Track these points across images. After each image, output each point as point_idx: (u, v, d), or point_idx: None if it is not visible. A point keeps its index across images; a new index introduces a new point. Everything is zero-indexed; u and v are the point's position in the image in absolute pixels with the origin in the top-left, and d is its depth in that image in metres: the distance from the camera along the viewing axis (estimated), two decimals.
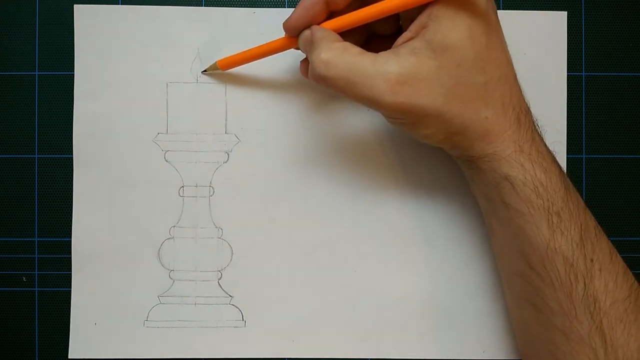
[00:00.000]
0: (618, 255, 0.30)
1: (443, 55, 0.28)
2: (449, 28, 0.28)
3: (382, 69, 0.28)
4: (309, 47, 0.30)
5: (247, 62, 0.35)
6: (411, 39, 0.29)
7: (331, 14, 0.31)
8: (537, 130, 0.31)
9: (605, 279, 0.29)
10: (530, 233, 0.29)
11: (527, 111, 0.31)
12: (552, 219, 0.29)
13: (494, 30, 0.30)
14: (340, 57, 0.29)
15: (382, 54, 0.29)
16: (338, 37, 0.30)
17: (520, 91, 0.31)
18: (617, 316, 0.28)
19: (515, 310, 0.32)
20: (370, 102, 0.29)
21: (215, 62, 0.35)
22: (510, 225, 0.30)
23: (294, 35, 0.32)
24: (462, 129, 0.30)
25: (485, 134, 0.30)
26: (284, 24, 0.31)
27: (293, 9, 0.36)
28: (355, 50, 0.29)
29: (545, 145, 0.31)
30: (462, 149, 0.31)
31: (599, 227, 0.30)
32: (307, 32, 0.31)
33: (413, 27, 0.29)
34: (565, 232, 0.29)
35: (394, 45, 0.30)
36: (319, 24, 0.31)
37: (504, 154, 0.30)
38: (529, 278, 0.30)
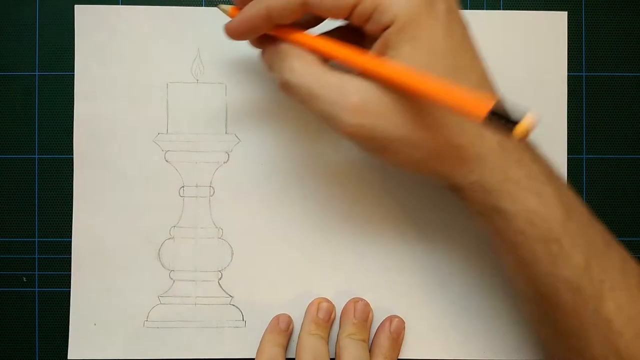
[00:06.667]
0: (631, 261, 0.29)
1: None
2: (410, 55, 0.26)
3: (346, 89, 0.26)
4: (278, 57, 0.29)
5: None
6: None
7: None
8: (528, 148, 0.28)
9: (618, 297, 0.27)
10: (531, 262, 0.28)
11: None
12: (552, 247, 0.27)
13: (462, 48, 0.27)
14: (309, 68, 0.27)
15: (351, 74, 0.27)
16: (309, 52, 0.28)
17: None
18: (634, 333, 0.27)
19: (535, 330, 0.32)
20: (329, 118, 0.27)
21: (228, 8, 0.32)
22: (510, 254, 0.29)
23: (237, 39, 0.29)
24: (435, 154, 0.27)
25: (462, 161, 0.27)
26: (226, 27, 0.29)
27: None
28: (325, 66, 0.28)
29: (539, 160, 0.29)
30: (443, 176, 0.29)
31: (608, 235, 0.29)
32: (279, 46, 0.29)
33: (375, 50, 0.27)
34: (568, 259, 0.27)
35: None
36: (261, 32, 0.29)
37: (488, 184, 0.27)
38: (538, 303, 0.29)
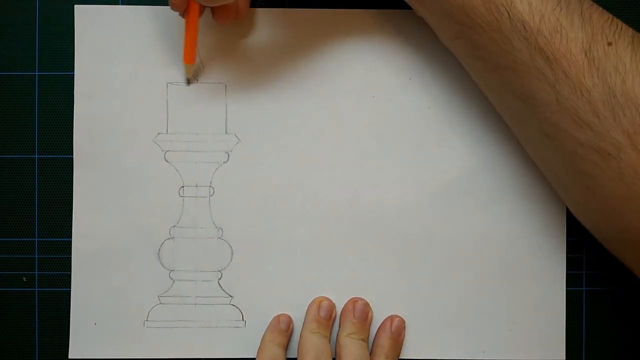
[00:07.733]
0: None
1: None
2: None
3: None
4: None
5: (194, 41, 0.34)
6: None
7: None
8: None
9: None
10: None
11: None
12: None
13: None
14: None
15: None
16: None
17: None
18: (550, 29, 0.28)
19: (471, 72, 0.33)
20: None
21: (184, 65, 0.35)
22: None
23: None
24: None
25: None
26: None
27: (293, 8, 0.36)
28: None
29: None
30: None
31: None
32: None
33: None
34: None
35: None
36: None
37: None
38: (463, 35, 0.30)
